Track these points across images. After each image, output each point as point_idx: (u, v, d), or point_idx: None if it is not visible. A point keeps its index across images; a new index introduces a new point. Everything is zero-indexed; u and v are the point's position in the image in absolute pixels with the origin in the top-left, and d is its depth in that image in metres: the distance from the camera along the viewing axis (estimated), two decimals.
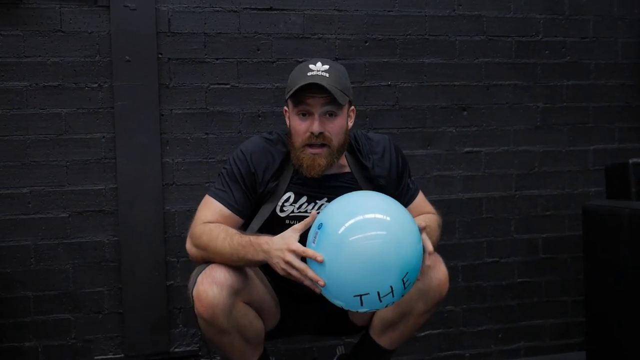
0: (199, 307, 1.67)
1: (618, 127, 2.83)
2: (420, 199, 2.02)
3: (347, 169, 1.92)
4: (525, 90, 2.73)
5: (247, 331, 1.78)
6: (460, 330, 2.71)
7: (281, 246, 1.62)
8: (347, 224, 1.54)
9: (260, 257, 1.67)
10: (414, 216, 1.68)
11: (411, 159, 2.30)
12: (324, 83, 1.74)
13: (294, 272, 1.60)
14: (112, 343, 2.40)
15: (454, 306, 2.69)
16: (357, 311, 1.62)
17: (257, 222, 1.86)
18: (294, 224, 1.70)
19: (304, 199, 1.87)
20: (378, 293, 1.53)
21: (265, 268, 1.90)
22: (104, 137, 2.36)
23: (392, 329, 1.89)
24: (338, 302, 1.60)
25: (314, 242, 1.58)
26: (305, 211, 1.86)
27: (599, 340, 2.36)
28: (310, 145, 1.79)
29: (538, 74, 2.75)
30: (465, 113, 2.68)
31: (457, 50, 2.66)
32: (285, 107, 1.90)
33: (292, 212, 1.86)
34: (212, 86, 2.44)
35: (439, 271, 1.82)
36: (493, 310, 2.73)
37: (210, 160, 2.45)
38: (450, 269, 1.90)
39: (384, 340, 1.92)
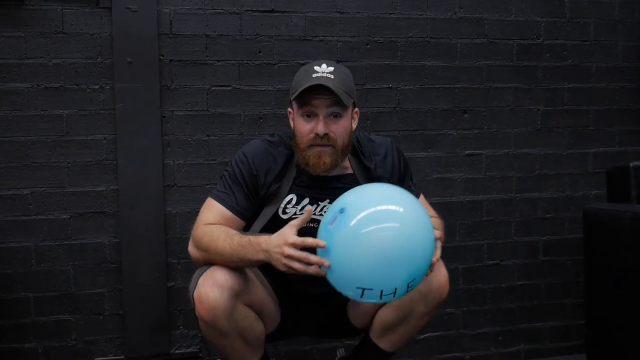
0: (199, 309, 1.67)
1: (619, 130, 2.84)
2: (422, 202, 2.02)
3: (350, 171, 1.92)
4: (526, 93, 2.74)
5: (248, 333, 1.78)
6: (460, 332, 2.71)
7: (279, 242, 1.62)
8: (369, 211, 1.52)
9: (260, 256, 1.66)
10: None
11: (412, 162, 2.30)
12: (329, 84, 1.74)
13: (295, 265, 1.59)
14: (112, 344, 2.40)
15: (454, 308, 2.69)
16: (355, 300, 1.60)
17: (259, 223, 1.86)
18: None
19: (307, 200, 1.87)
20: (381, 291, 1.52)
21: (265, 269, 1.90)
22: (105, 138, 2.36)
23: (393, 331, 1.89)
24: (338, 287, 1.58)
25: (331, 225, 1.55)
26: None
27: (599, 343, 2.36)
28: (316, 145, 1.79)
29: (539, 76, 2.75)
30: (466, 116, 2.68)
31: (458, 52, 2.66)
32: (289, 109, 1.90)
33: (295, 214, 1.86)
34: (213, 88, 2.44)
35: (440, 273, 1.82)
36: (493, 312, 2.73)
37: (211, 162, 2.45)
38: (450, 271, 1.90)
39: (384, 343, 1.92)
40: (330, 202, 1.84)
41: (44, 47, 2.31)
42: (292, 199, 1.87)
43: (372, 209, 1.54)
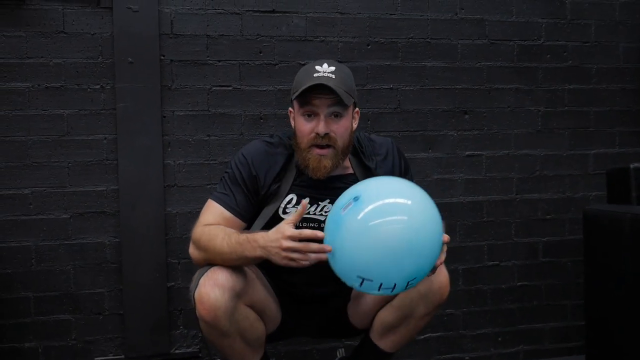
0: (200, 310, 1.67)
1: (619, 131, 2.84)
2: None
3: (350, 170, 1.93)
4: (526, 94, 2.74)
5: (249, 334, 1.78)
6: (460, 333, 2.71)
7: (277, 236, 1.61)
8: (382, 202, 1.52)
9: (258, 252, 1.66)
10: None
11: (412, 162, 2.30)
12: (330, 84, 1.74)
13: (295, 256, 1.59)
14: (112, 344, 2.40)
15: (454, 309, 2.69)
16: (352, 286, 1.58)
17: (259, 223, 1.86)
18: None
19: (307, 200, 1.86)
20: (381, 284, 1.51)
21: (266, 269, 1.91)
22: (105, 138, 2.36)
23: (393, 331, 1.90)
24: (338, 272, 1.58)
25: (343, 210, 1.54)
26: (308, 213, 1.85)
27: (599, 344, 2.37)
28: (316, 146, 1.80)
29: (539, 78, 2.75)
30: (466, 116, 2.68)
31: (459, 53, 2.66)
32: (290, 108, 1.91)
33: None
34: (214, 88, 2.44)
35: (441, 274, 1.82)
36: (493, 313, 2.73)
37: (211, 162, 2.45)
38: (450, 272, 1.90)
39: (384, 343, 1.93)
40: (331, 202, 1.85)
41: (44, 47, 2.31)
42: (292, 199, 1.87)
43: (385, 201, 1.53)
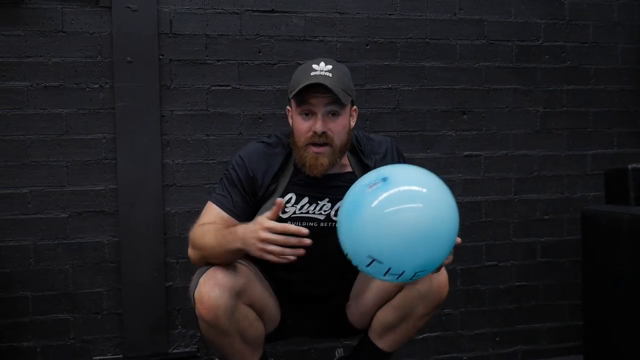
0: (200, 309, 1.67)
1: (617, 132, 2.84)
2: None
3: (349, 169, 1.93)
4: (525, 94, 2.74)
5: (248, 333, 1.78)
6: (458, 333, 2.71)
7: (255, 227, 1.60)
8: (410, 188, 1.50)
9: (238, 244, 1.64)
10: None
11: (411, 162, 2.29)
12: (327, 83, 1.74)
13: (271, 248, 1.56)
14: (110, 343, 2.40)
15: (452, 309, 2.69)
16: (357, 265, 1.54)
17: None
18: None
19: (306, 199, 1.87)
20: (389, 269, 1.48)
21: (265, 269, 1.91)
22: (104, 137, 2.36)
23: (392, 331, 1.90)
24: (347, 246, 1.54)
25: (369, 188, 1.51)
26: (307, 212, 1.86)
27: (597, 344, 2.37)
28: (313, 144, 1.80)
29: (538, 78, 2.75)
30: (465, 117, 2.69)
31: (457, 54, 2.66)
32: (288, 107, 1.91)
33: (294, 213, 1.86)
34: (213, 88, 2.44)
35: (441, 274, 1.83)
36: (491, 313, 2.74)
37: (210, 161, 2.45)
38: (449, 272, 1.90)
39: (383, 343, 1.93)
40: (330, 201, 1.86)
41: (43, 46, 2.30)
42: (291, 198, 1.87)
43: (413, 188, 1.51)
